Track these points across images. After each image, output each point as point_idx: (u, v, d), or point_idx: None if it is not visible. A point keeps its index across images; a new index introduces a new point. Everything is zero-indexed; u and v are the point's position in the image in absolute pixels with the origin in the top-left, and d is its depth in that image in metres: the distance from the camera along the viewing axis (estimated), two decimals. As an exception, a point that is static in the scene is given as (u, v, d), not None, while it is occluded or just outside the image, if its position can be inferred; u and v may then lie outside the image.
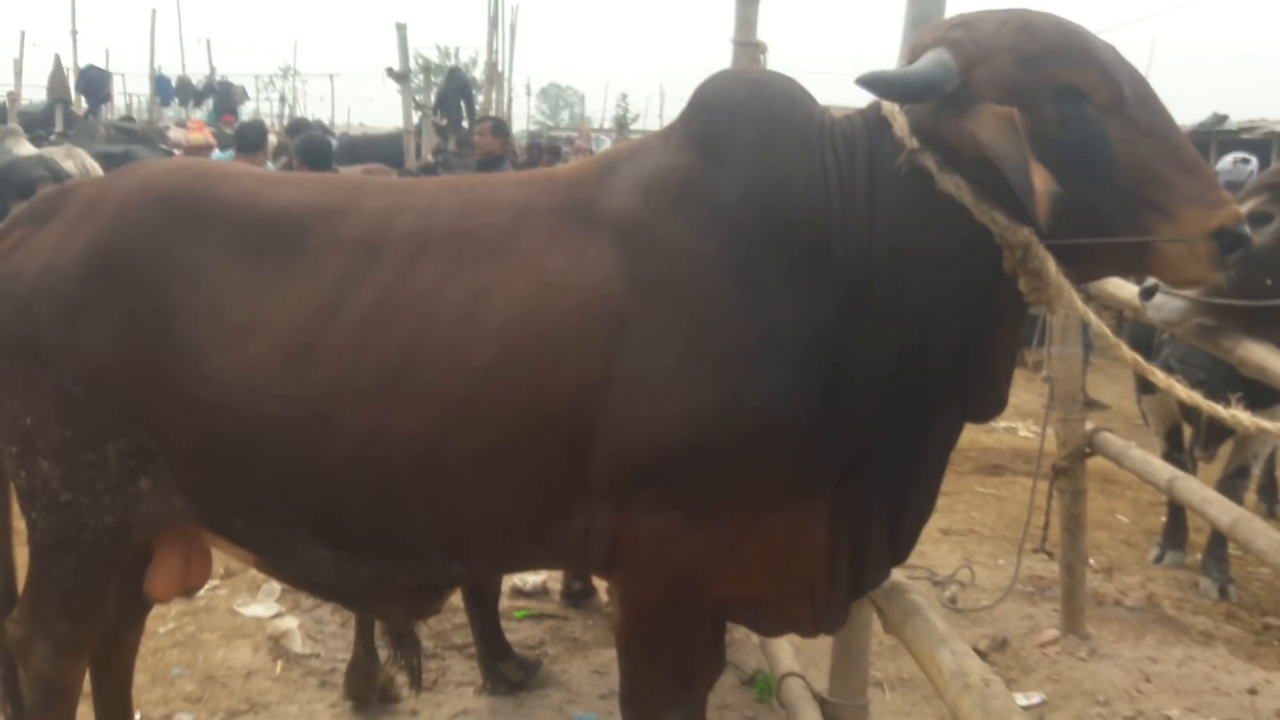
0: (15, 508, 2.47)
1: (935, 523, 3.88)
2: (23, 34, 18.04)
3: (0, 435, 2.30)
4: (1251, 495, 5.34)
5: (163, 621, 3.96)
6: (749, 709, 3.55)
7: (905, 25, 2.38)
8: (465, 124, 13.84)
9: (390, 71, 10.54)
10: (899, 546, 2.26)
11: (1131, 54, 1.98)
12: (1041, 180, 1.82)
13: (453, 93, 15.44)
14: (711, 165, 2.09)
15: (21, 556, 2.48)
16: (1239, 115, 13.50)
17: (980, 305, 2.03)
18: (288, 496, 2.20)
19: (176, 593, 2.54)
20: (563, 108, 59.89)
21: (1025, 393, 6.81)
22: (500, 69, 18.86)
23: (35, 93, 18.31)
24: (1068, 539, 4.09)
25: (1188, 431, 5.02)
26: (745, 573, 2.21)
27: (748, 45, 3.27)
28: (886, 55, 2.34)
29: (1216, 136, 12.88)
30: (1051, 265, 1.92)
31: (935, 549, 4.95)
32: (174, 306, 2.17)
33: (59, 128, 14.17)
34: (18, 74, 16.14)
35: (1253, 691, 3.78)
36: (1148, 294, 3.00)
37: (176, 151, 11.26)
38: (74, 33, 22.38)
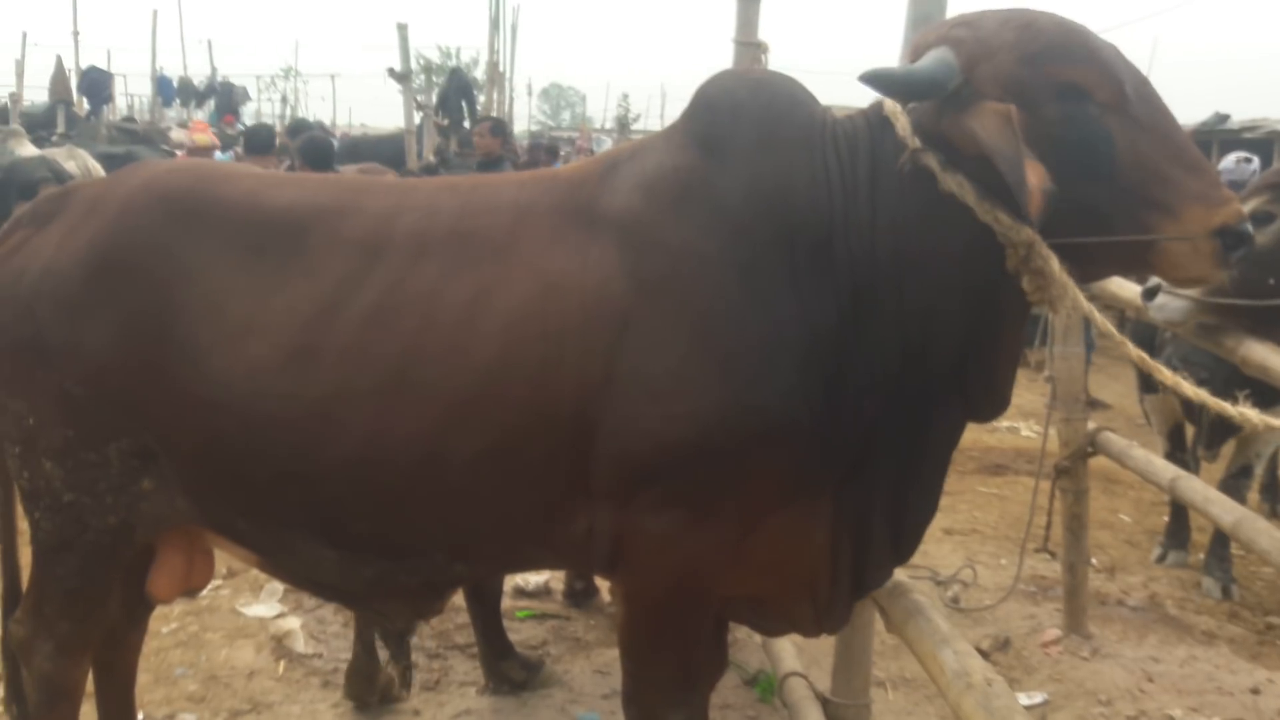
0: (20, 508, 2.47)
1: (938, 522, 3.88)
2: (24, 35, 18.05)
3: (3, 436, 2.31)
4: (1254, 495, 5.34)
5: (165, 621, 3.96)
6: (751, 709, 3.55)
7: (906, 25, 2.38)
8: (467, 124, 13.86)
9: (392, 72, 10.54)
10: (902, 546, 2.26)
11: (1133, 54, 1.98)
12: (1035, 176, 1.82)
13: (454, 93, 15.47)
14: (714, 165, 2.09)
15: (25, 556, 2.49)
16: (1241, 115, 13.49)
17: (983, 305, 2.03)
18: (289, 497, 2.20)
19: (179, 593, 2.54)
20: (564, 108, 59.90)
21: (1027, 392, 6.81)
22: (501, 69, 18.90)
23: (37, 94, 18.33)
24: (1070, 539, 4.09)
25: (1190, 431, 5.02)
26: (748, 572, 2.21)
27: (749, 45, 3.26)
28: (888, 55, 2.34)
29: (1218, 136, 12.87)
30: (1055, 264, 1.91)
31: (938, 548, 4.95)
32: (175, 307, 2.17)
33: (61, 129, 14.17)
34: (19, 75, 16.12)
35: (1255, 691, 3.78)
36: (1150, 294, 3.00)
37: (179, 152, 11.29)
38: (75, 33, 22.43)
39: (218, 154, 9.49)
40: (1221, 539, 4.63)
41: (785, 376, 2.01)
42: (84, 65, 20.85)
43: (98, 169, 6.98)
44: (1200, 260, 1.91)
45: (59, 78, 17.16)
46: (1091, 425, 3.99)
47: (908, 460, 2.16)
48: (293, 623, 3.96)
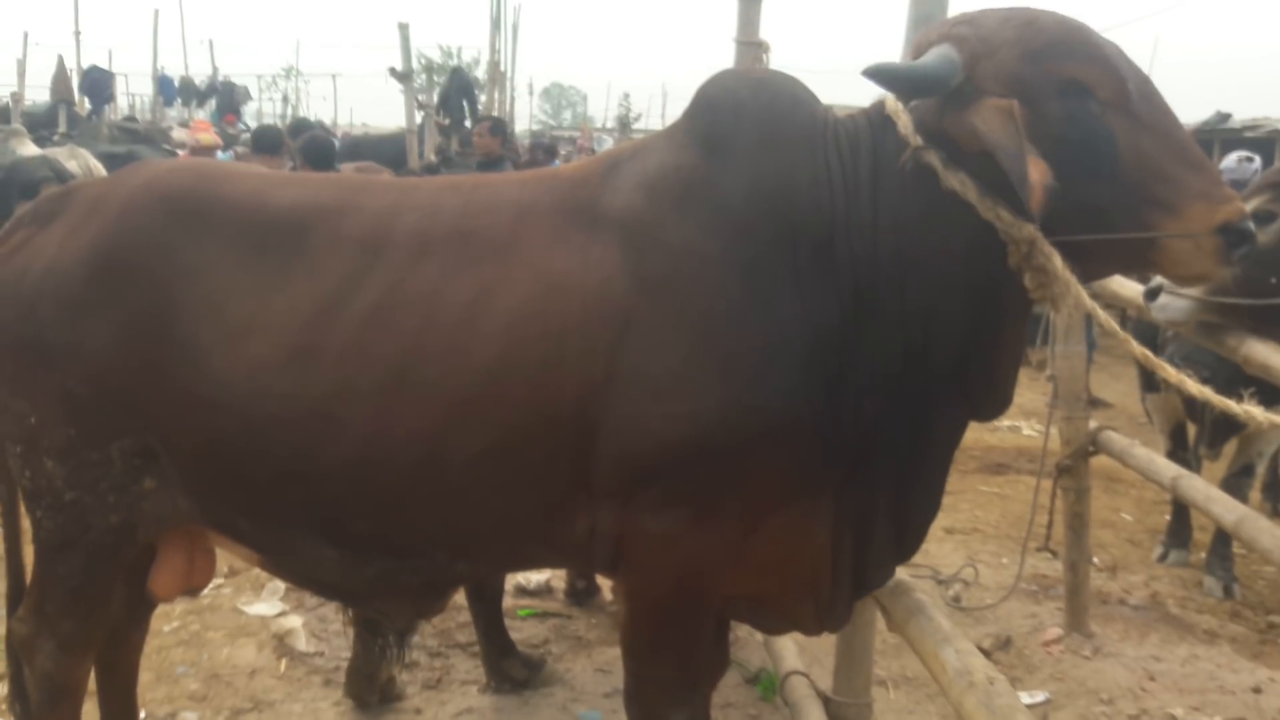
0: (24, 506, 2.47)
1: (939, 521, 3.87)
2: (25, 34, 18.08)
3: (6, 435, 2.31)
4: (1256, 494, 5.34)
5: (167, 620, 3.97)
6: (753, 707, 3.55)
7: (908, 24, 2.38)
8: (468, 124, 13.85)
9: (393, 71, 10.55)
10: (905, 545, 2.26)
11: (1133, 53, 1.98)
12: (1037, 172, 1.81)
13: (455, 92, 15.45)
14: (715, 164, 2.09)
15: (29, 555, 2.49)
16: (1242, 114, 13.49)
17: (984, 303, 2.03)
18: (291, 496, 2.20)
19: (180, 591, 2.55)
20: (565, 107, 59.87)
21: (1029, 391, 6.82)
22: (503, 69, 18.88)
23: (38, 93, 18.33)
24: (1071, 537, 4.09)
25: (1192, 430, 5.02)
26: (749, 572, 2.21)
27: (750, 45, 3.26)
28: (889, 55, 2.33)
29: (1220, 135, 12.87)
30: (1057, 261, 1.91)
31: (939, 548, 4.95)
32: (177, 306, 2.17)
33: (62, 128, 14.18)
34: (21, 74, 16.13)
35: (1257, 690, 3.78)
36: (1153, 295, 2.99)
37: (181, 151, 11.29)
38: (77, 33, 22.42)
39: (220, 153, 9.49)
40: (1223, 538, 4.63)
41: (787, 376, 2.01)
42: (85, 65, 20.85)
43: (99, 168, 6.98)
44: (1202, 258, 1.91)
45: (60, 77, 17.17)
46: (1093, 424, 3.99)
47: (909, 459, 2.15)
48: (294, 621, 3.96)
